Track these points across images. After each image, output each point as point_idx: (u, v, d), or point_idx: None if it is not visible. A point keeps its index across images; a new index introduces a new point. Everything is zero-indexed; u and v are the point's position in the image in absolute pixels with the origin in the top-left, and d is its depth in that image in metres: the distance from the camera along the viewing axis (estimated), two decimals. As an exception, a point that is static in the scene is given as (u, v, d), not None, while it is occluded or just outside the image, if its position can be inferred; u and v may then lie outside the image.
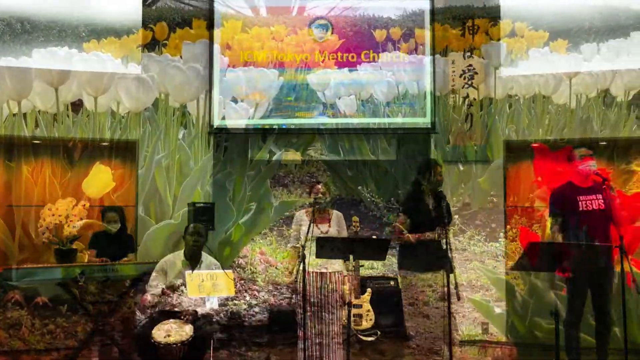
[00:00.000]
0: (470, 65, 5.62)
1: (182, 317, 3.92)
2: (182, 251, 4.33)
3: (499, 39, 5.66)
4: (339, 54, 5.70)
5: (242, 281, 5.57)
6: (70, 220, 5.07)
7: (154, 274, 4.26)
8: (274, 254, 5.67)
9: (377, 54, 5.70)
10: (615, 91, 5.52)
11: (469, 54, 5.65)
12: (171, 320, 3.92)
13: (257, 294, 5.56)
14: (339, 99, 5.65)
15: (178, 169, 5.51)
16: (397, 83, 5.66)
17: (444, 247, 3.82)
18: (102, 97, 5.41)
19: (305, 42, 5.67)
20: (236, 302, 5.51)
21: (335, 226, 4.21)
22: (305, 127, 5.67)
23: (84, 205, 5.21)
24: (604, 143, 5.48)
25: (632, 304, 5.21)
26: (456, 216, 5.54)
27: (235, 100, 5.60)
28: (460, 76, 5.64)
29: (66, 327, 5.20)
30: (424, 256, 4.04)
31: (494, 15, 5.68)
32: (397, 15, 5.75)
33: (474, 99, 5.63)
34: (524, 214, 5.50)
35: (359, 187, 5.76)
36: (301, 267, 3.69)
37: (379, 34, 5.72)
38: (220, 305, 4.81)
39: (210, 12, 5.67)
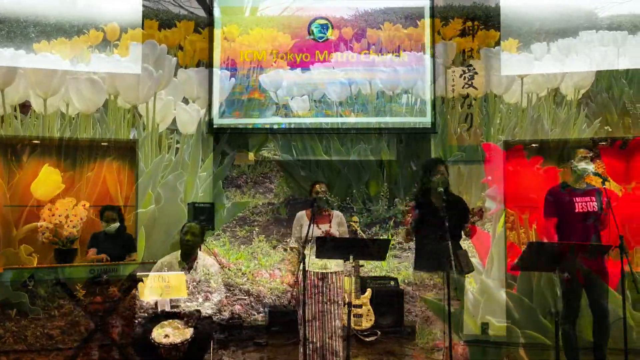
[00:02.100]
0: (470, 65, 5.63)
1: (185, 320, 3.87)
2: (179, 251, 4.28)
3: (450, 39, 5.69)
4: (291, 54, 5.69)
5: (195, 283, 5.51)
6: (71, 221, 5.01)
7: (151, 273, 4.17)
8: (227, 255, 5.64)
9: (330, 54, 5.69)
10: (565, 90, 5.57)
11: (469, 54, 5.65)
12: (171, 320, 3.88)
13: (209, 296, 5.51)
14: (292, 99, 5.64)
15: (129, 171, 5.46)
16: (349, 83, 5.65)
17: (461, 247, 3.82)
18: (52, 98, 5.35)
19: (258, 42, 5.66)
20: (188, 304, 5.46)
21: (336, 226, 4.17)
22: (302, 127, 5.66)
23: (84, 205, 5.16)
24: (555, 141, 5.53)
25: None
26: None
27: (186, 101, 5.57)
28: (460, 76, 5.65)
29: (15, 332, 5.14)
30: (438, 256, 4.02)
31: (445, 15, 5.71)
32: (350, 15, 5.75)
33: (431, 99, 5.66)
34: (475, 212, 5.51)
35: (313, 188, 5.73)
36: (301, 267, 3.67)
37: (332, 34, 5.72)
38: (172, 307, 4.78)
39: (210, 12, 5.70)
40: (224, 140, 5.63)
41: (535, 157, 5.50)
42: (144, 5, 5.64)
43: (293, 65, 5.68)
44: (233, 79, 5.63)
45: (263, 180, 5.69)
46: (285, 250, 5.77)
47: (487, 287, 5.40)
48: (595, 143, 5.52)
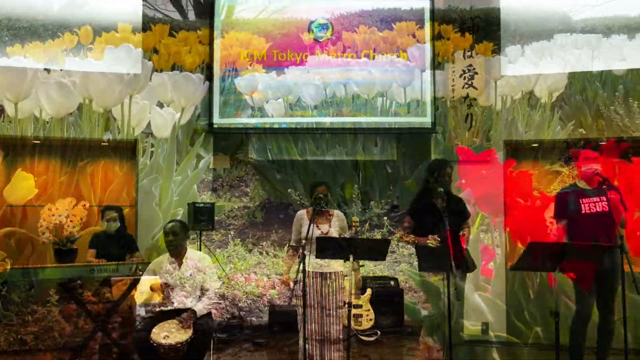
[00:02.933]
0: (471, 65, 5.64)
1: (181, 322, 3.86)
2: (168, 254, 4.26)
3: (425, 42, 5.70)
4: (267, 57, 5.69)
5: (169, 287, 5.50)
6: (71, 221, 4.98)
7: (144, 276, 4.21)
8: (202, 259, 5.61)
9: (305, 57, 5.69)
10: (539, 93, 5.59)
11: (469, 54, 5.66)
12: (170, 320, 3.88)
13: (184, 300, 5.50)
14: (267, 102, 5.63)
15: (103, 174, 5.44)
16: (324, 86, 5.66)
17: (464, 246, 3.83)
18: (24, 103, 5.32)
19: (232, 46, 5.65)
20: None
21: (336, 226, 4.14)
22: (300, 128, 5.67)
23: (84, 205, 5.13)
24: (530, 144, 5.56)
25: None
26: (385, 218, 5.57)
27: (160, 105, 5.55)
28: (460, 76, 5.65)
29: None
30: (443, 257, 3.97)
31: (420, 18, 5.72)
32: (325, 18, 5.75)
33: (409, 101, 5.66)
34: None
35: (289, 190, 5.74)
36: (301, 267, 3.67)
37: (307, 37, 5.72)
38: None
39: (211, 17, 5.67)
40: (199, 144, 5.61)
41: (508, 160, 5.52)
42: (117, 8, 5.61)
43: (268, 69, 5.68)
44: (208, 82, 5.61)
45: (239, 184, 5.68)
46: (267, 253, 5.79)
47: (460, 290, 5.41)
48: (569, 145, 5.54)
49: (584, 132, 5.53)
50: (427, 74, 5.65)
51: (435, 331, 5.41)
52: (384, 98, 5.64)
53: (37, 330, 5.12)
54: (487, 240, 5.49)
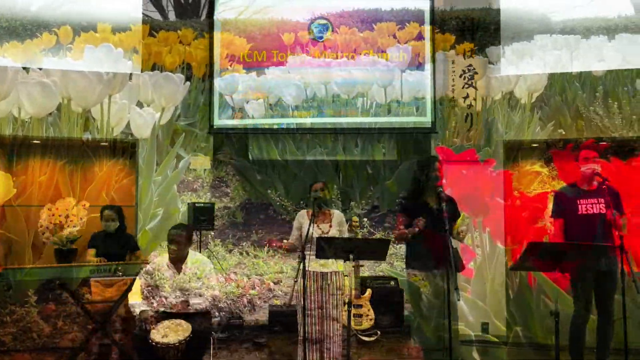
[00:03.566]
0: (470, 65, 5.64)
1: (176, 310, 3.87)
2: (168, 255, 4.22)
3: (406, 42, 5.71)
4: (247, 57, 5.68)
5: (149, 287, 5.48)
6: (70, 220, 4.96)
7: (141, 280, 4.16)
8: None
9: (286, 58, 5.69)
10: (519, 93, 5.61)
11: (469, 54, 5.67)
12: (170, 320, 3.86)
13: (164, 301, 5.49)
14: (247, 103, 5.63)
15: (82, 174, 5.42)
16: (305, 86, 5.66)
17: (454, 245, 3.80)
18: (3, 102, 5.29)
19: (213, 46, 5.65)
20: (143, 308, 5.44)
21: (336, 226, 4.12)
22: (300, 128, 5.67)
23: (84, 205, 5.11)
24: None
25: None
26: (365, 219, 5.56)
27: (140, 105, 5.54)
28: (460, 76, 5.66)
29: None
30: (431, 255, 4.00)
31: (401, 19, 5.73)
32: (306, 19, 5.75)
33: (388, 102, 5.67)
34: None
35: (268, 191, 5.73)
36: (301, 267, 3.66)
37: (287, 37, 5.72)
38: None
39: (210, 15, 5.68)
40: (179, 144, 5.60)
41: (488, 160, 5.53)
42: (97, 7, 5.60)
43: (249, 69, 5.68)
44: (188, 82, 5.61)
45: (219, 184, 5.67)
46: (247, 253, 5.78)
47: (441, 290, 5.41)
48: (548, 146, 5.56)
49: (564, 132, 5.55)
50: (407, 74, 5.65)
51: (415, 332, 5.42)
52: (365, 98, 5.64)
53: (15, 331, 5.07)
54: (467, 240, 5.49)
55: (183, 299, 3.99)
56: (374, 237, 4.10)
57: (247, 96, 5.66)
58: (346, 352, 3.82)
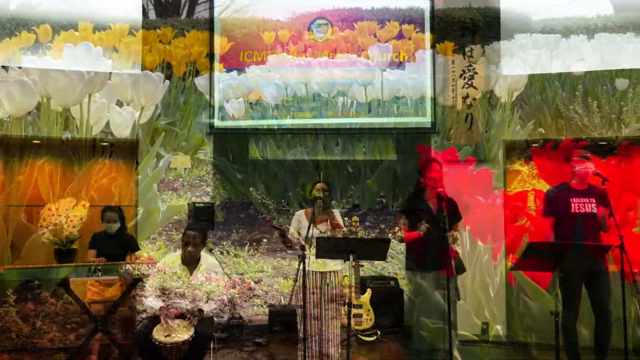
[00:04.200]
0: (470, 65, 5.63)
1: (187, 318, 3.82)
2: (180, 255, 4.23)
3: (386, 41, 5.71)
4: (228, 56, 5.68)
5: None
6: (70, 220, 4.95)
7: (150, 281, 4.10)
8: (162, 258, 5.58)
9: (266, 57, 5.69)
10: (499, 92, 5.62)
11: (469, 54, 5.66)
12: (172, 320, 3.82)
13: (144, 300, 5.47)
14: (227, 102, 5.62)
15: (61, 174, 5.40)
16: (285, 85, 5.65)
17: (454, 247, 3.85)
18: (-19, 102, 5.27)
19: (193, 45, 5.63)
20: (121, 308, 5.41)
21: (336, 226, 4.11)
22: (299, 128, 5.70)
23: (84, 205, 5.10)
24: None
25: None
26: (345, 218, 5.55)
27: (120, 104, 5.52)
28: (461, 76, 5.65)
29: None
30: (430, 256, 4.03)
31: (382, 18, 5.73)
32: (287, 17, 5.75)
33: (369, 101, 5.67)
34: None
35: (250, 189, 5.72)
36: (301, 267, 3.65)
37: (268, 36, 5.71)
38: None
39: (211, 16, 5.66)
40: (158, 143, 5.58)
41: (468, 159, 5.54)
42: (77, 6, 5.58)
43: (229, 68, 5.67)
44: (168, 81, 5.59)
45: (199, 183, 5.66)
46: (228, 253, 5.76)
47: (422, 289, 5.41)
48: (528, 145, 5.58)
49: (544, 131, 5.56)
50: (388, 73, 5.65)
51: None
52: (345, 97, 5.64)
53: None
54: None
55: (197, 307, 3.95)
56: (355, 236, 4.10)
57: (227, 95, 5.64)
58: (346, 352, 3.81)
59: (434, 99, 5.64)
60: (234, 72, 5.66)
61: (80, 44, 5.49)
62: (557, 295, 4.60)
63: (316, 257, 3.78)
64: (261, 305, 5.60)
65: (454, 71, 5.65)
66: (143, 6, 5.66)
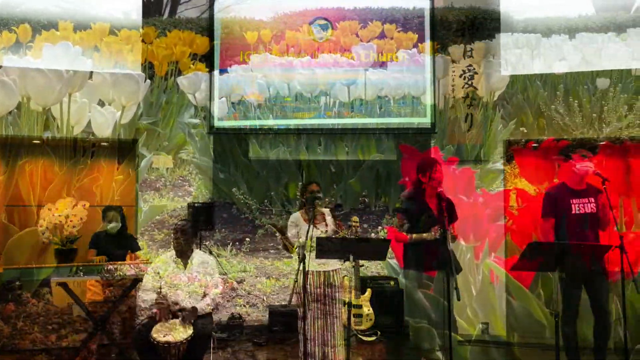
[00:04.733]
0: (470, 65, 5.64)
1: (182, 318, 3.85)
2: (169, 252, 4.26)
3: (368, 41, 5.72)
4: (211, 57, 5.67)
5: (111, 287, 5.44)
6: (70, 220, 4.92)
7: (146, 276, 4.14)
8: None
9: (248, 56, 5.68)
10: (481, 92, 5.63)
11: (469, 53, 5.66)
12: (171, 319, 3.85)
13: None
14: (210, 101, 5.61)
15: (42, 174, 5.37)
16: (267, 85, 5.64)
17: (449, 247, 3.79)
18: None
19: (175, 44, 5.62)
20: (104, 309, 5.38)
21: (331, 225, 4.13)
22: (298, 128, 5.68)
23: (84, 205, 5.07)
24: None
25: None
26: (329, 217, 5.54)
27: (102, 104, 5.49)
28: (460, 76, 5.65)
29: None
30: (428, 256, 4.04)
31: (364, 18, 5.74)
32: (269, 17, 5.74)
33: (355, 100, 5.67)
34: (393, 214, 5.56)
35: (232, 190, 5.71)
36: (301, 267, 3.64)
37: (250, 36, 5.70)
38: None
39: (210, 17, 5.67)
40: (140, 143, 5.56)
41: (451, 158, 5.55)
42: (59, 6, 5.56)
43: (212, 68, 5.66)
44: (149, 81, 5.57)
45: (182, 183, 5.64)
46: (210, 252, 5.73)
47: (404, 288, 5.42)
48: (510, 144, 5.59)
49: (525, 131, 5.58)
50: (370, 72, 5.65)
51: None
52: (327, 97, 5.64)
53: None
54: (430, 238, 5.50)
55: (192, 306, 3.99)
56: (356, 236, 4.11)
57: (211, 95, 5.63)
58: (346, 352, 3.83)
59: (434, 99, 5.66)
60: (216, 72, 5.64)
61: (59, 44, 5.45)
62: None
63: (316, 257, 3.77)
64: (244, 306, 5.58)
65: (454, 71, 5.67)
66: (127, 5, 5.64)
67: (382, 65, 5.69)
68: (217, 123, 5.64)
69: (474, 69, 5.67)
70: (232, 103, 5.64)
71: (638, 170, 5.20)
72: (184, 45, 5.66)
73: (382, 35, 5.71)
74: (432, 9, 5.73)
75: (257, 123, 5.62)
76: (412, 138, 5.74)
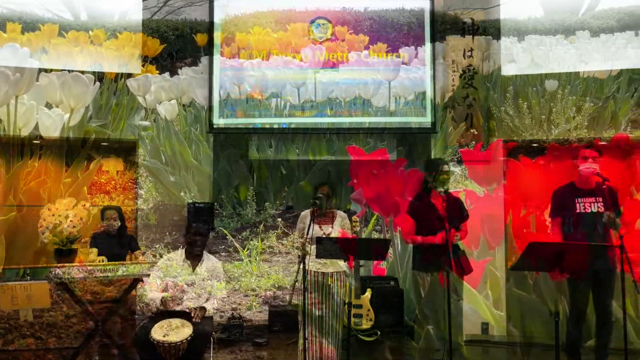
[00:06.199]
0: (470, 65, 5.64)
1: (192, 315, 3.87)
2: (184, 250, 4.26)
3: (321, 42, 5.73)
4: (161, 58, 5.65)
5: (59, 292, 5.39)
6: (70, 220, 4.86)
7: (153, 273, 4.16)
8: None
9: (199, 59, 5.66)
10: (431, 94, 5.66)
11: (469, 54, 5.68)
12: (171, 319, 3.85)
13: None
14: (160, 103, 5.58)
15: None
16: (219, 87, 5.63)
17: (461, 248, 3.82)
18: None
19: (125, 46, 5.59)
20: (52, 313, 5.34)
21: (338, 227, 4.09)
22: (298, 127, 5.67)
23: (84, 205, 5.00)
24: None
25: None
26: (279, 219, 5.55)
27: (49, 106, 5.45)
28: (461, 76, 5.66)
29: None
30: (437, 256, 3.98)
31: (314, 19, 5.75)
32: (219, 19, 5.72)
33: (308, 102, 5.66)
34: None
35: (182, 193, 5.68)
36: (301, 267, 3.62)
37: (201, 38, 5.69)
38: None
39: (211, 16, 5.64)
40: (89, 145, 5.52)
41: (399, 160, 5.57)
42: (6, 8, 5.51)
43: (162, 70, 5.64)
44: (99, 83, 5.54)
45: (132, 186, 5.60)
46: (160, 256, 5.71)
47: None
48: (461, 146, 5.62)
49: (475, 132, 5.62)
50: (321, 74, 5.66)
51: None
52: (279, 99, 5.64)
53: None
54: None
55: (200, 305, 4.02)
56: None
57: (160, 97, 5.61)
58: (346, 352, 3.84)
59: (434, 99, 5.66)
60: (167, 74, 5.62)
61: (5, 45, 5.40)
62: (556, 295, 4.59)
63: (316, 257, 3.78)
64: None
65: (454, 71, 5.67)
66: (75, 7, 5.60)
67: (334, 66, 5.70)
68: (170, 125, 5.63)
69: (474, 68, 5.69)
70: (183, 105, 5.62)
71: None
72: (134, 48, 5.62)
73: (333, 37, 5.71)
74: (432, 9, 5.74)
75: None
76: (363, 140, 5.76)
